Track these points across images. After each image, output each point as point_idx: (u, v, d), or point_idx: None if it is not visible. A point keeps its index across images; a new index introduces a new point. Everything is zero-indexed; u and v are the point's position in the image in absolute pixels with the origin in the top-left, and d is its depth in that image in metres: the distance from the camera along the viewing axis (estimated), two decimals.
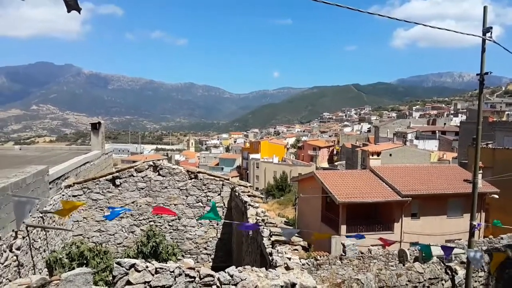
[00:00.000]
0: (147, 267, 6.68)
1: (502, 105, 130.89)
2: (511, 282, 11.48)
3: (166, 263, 7.11)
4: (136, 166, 16.87)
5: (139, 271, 6.66)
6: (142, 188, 16.88)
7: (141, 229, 16.86)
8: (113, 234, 16.85)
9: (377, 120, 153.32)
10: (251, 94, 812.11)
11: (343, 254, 20.51)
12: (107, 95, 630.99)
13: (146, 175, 16.86)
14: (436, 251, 12.58)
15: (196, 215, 17.07)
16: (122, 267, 6.58)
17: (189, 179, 17.04)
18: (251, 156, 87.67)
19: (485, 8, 8.76)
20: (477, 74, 9.21)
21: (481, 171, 28.82)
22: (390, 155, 51.74)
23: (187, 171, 17.15)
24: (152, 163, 16.98)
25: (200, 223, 17.12)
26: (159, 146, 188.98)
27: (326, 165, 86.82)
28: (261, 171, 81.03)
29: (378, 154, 33.60)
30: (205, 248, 17.35)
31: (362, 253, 20.81)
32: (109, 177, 16.68)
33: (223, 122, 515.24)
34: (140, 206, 16.86)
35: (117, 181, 16.65)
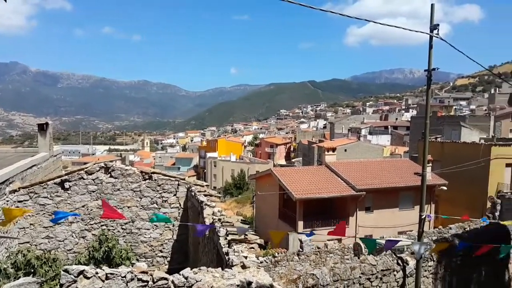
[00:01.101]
0: (97, 273, 6.41)
1: (450, 100, 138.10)
2: (458, 270, 12.07)
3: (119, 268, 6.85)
4: (86, 168, 16.19)
5: (88, 278, 6.38)
6: (93, 191, 16.23)
7: (92, 234, 16.21)
8: (63, 240, 16.11)
9: (333, 116, 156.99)
10: (207, 91, 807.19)
11: (301, 250, 20.76)
12: (56, 93, 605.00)
13: (97, 177, 16.22)
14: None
15: (151, 217, 16.64)
16: (70, 274, 6.29)
17: (143, 180, 16.58)
18: (208, 154, 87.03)
19: (432, 5, 9.06)
20: (425, 70, 9.54)
21: (430, 164, 30.18)
22: (345, 150, 52.99)
23: (141, 172, 16.67)
24: (103, 165, 16.36)
25: (155, 225, 16.70)
26: (112, 147, 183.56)
27: (283, 162, 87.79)
28: (219, 169, 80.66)
29: (334, 150, 34.31)
30: (161, 251, 16.96)
31: (318, 248, 21.13)
32: (58, 180, 15.90)
33: (179, 121, 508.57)
34: (91, 210, 16.20)
35: (66, 185, 15.91)
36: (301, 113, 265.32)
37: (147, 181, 16.65)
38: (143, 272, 6.68)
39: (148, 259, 16.77)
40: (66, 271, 6.21)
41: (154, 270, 6.85)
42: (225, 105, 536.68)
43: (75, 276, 6.21)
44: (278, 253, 19.94)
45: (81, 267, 6.25)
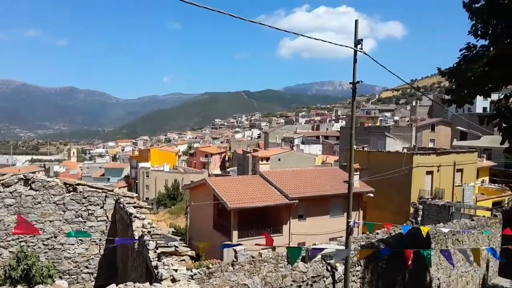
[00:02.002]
0: None
1: (376, 111, 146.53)
2: (384, 273, 12.66)
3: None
4: (3, 180, 14.87)
5: None
6: (11, 205, 14.92)
7: (9, 251, 14.86)
8: None
9: (267, 126, 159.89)
10: (140, 99, 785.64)
11: (235, 260, 20.63)
12: None
13: (16, 190, 14.95)
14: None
15: (76, 231, 15.63)
16: None
17: (66, 192, 15.54)
18: (141, 164, 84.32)
19: (356, 21, 9.52)
20: (350, 83, 9.95)
21: (357, 173, 31.62)
22: (279, 159, 54.01)
23: (64, 183, 15.63)
24: (22, 176, 15.13)
25: (80, 240, 15.69)
26: (35, 157, 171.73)
27: (218, 171, 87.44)
28: (152, 180, 78.41)
29: (267, 159, 34.81)
30: (86, 267, 15.96)
31: (253, 257, 21.14)
32: None
33: (109, 129, 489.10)
34: (8, 225, 14.87)
35: None
36: (236, 123, 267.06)
37: (72, 193, 15.65)
38: None
39: (73, 276, 15.71)
40: None
41: None
42: (159, 114, 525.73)
43: None
44: (212, 264, 19.66)
45: None
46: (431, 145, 58.67)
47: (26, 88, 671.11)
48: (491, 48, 10.92)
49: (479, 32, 10.93)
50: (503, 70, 10.70)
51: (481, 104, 64.80)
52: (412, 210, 30.49)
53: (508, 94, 11.79)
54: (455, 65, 11.47)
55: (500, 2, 10.18)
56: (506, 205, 32.63)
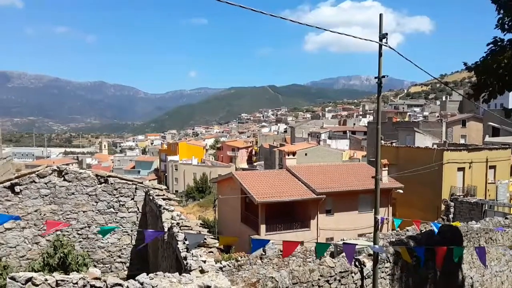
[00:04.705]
0: (46, 280, 6.10)
1: (405, 106, 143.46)
2: (414, 270, 12.44)
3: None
4: (37, 171, 15.46)
5: (37, 285, 6.07)
6: (46, 195, 15.51)
7: (46, 240, 15.48)
8: (15, 247, 15.27)
9: (293, 121, 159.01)
10: (167, 94, 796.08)
11: (264, 253, 20.75)
12: (7, 94, 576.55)
13: (50, 181, 15.51)
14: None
15: (108, 221, 16.10)
16: (17, 282, 5.96)
17: (98, 184, 16.01)
18: (169, 158, 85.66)
19: (380, 15, 9.36)
20: (375, 77, 9.79)
21: (386, 168, 31.12)
22: (306, 154, 53.73)
23: (96, 175, 16.10)
24: (56, 168, 15.67)
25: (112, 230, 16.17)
26: (68, 149, 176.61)
27: (245, 165, 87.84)
28: (180, 173, 79.55)
29: (294, 154, 34.67)
30: (119, 256, 16.44)
31: (281, 251, 21.20)
32: (7, 184, 15.08)
33: (138, 123, 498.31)
34: (44, 214, 15.47)
35: (17, 188, 15.11)
36: (262, 117, 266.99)
37: (103, 184, 16.11)
38: (96, 278, 6.42)
39: (106, 265, 16.21)
40: (12, 278, 5.89)
41: (107, 277, 6.61)
42: (186, 108, 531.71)
43: (22, 284, 5.91)
44: (241, 257, 19.84)
45: (29, 274, 5.93)
46: (462, 141, 57.05)
47: (58, 82, 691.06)
48: None
49: (506, 25, 10.51)
50: None
51: None
52: (443, 207, 29.81)
53: None
54: (481, 59, 11.09)
55: None
56: None
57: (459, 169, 32.92)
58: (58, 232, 15.51)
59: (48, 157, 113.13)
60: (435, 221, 20.22)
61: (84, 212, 15.89)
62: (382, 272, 11.31)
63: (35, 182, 15.35)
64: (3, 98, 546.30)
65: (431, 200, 31.31)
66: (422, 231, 15.68)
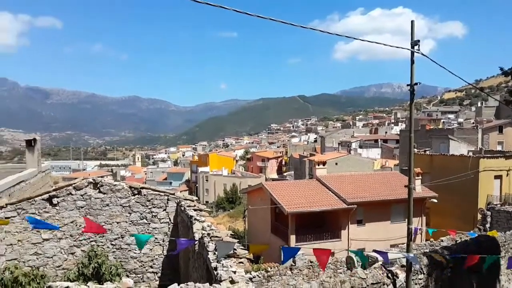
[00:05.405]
0: None
1: (438, 113, 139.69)
2: (449, 282, 12.06)
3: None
4: (74, 183, 16.02)
5: None
6: (82, 207, 16.03)
7: (82, 250, 15.95)
8: (51, 257, 15.82)
9: (323, 130, 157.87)
10: (197, 106, 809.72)
11: (293, 264, 20.61)
12: (46, 110, 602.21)
13: (86, 193, 16.04)
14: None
15: (141, 232, 16.45)
16: None
17: (132, 195, 16.42)
18: (200, 169, 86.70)
19: (412, 22, 9.28)
20: (408, 85, 9.68)
21: (419, 177, 30.37)
22: (336, 164, 53.16)
23: (130, 187, 16.52)
24: (92, 180, 16.20)
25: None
26: (103, 162, 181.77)
27: (275, 175, 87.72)
28: (211, 184, 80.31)
29: (324, 163, 34.39)
30: (151, 267, 16.73)
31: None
32: (46, 196, 15.68)
33: (170, 136, 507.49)
34: (80, 225, 15.98)
35: (54, 200, 15.69)
36: (292, 127, 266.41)
37: (136, 196, 16.50)
38: None
39: (139, 275, 16.52)
40: (50, 287, 6.11)
41: (140, 286, 6.77)
42: (215, 120, 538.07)
43: None
44: (270, 268, 19.78)
45: (65, 284, 6.16)
46: (499, 148, 54.92)
47: (94, 98, 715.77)
48: None
49: None
50: None
51: None
52: (479, 216, 28.75)
53: None
54: None
55: None
56: None
57: (496, 177, 31.74)
58: (93, 243, 15.98)
59: (84, 169, 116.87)
60: (471, 231, 19.54)
61: (118, 223, 16.31)
62: (416, 284, 11.03)
63: (72, 194, 15.90)
64: (43, 114, 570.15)
65: (466, 209, 30.29)
66: (457, 241, 15.19)
